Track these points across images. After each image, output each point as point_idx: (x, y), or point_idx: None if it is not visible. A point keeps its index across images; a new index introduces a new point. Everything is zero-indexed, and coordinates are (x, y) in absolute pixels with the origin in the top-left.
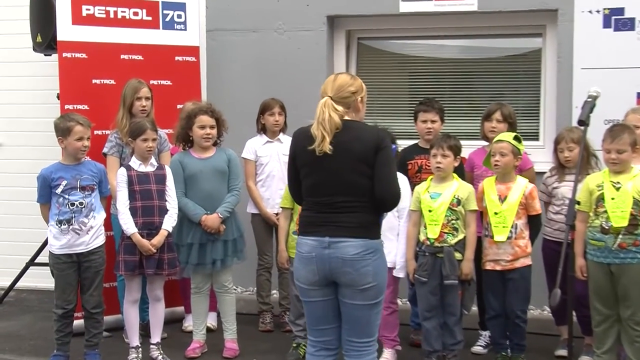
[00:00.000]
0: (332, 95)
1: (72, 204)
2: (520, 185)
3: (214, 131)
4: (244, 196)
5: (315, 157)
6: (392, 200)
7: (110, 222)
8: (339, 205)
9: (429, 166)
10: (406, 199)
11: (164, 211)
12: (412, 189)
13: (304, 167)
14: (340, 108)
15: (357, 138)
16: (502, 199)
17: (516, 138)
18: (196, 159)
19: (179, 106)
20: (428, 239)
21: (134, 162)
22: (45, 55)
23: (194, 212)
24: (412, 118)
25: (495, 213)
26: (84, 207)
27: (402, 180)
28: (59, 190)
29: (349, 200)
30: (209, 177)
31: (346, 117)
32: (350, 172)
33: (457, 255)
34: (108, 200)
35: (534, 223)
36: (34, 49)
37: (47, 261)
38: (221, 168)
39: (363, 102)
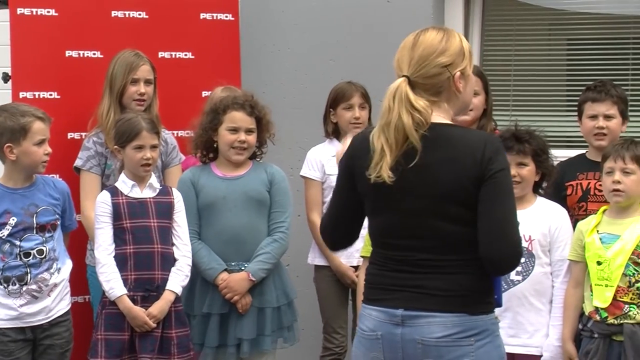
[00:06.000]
0: (409, 74)
1: (27, 254)
2: None
3: (253, 138)
4: (301, 238)
5: (378, 188)
6: (506, 261)
7: (86, 279)
8: (421, 264)
9: (601, 190)
10: (564, 244)
11: (169, 262)
12: (574, 227)
13: (366, 199)
14: (421, 102)
15: (449, 159)
16: None
17: None
18: (218, 177)
19: (204, 94)
20: (597, 310)
21: (124, 184)
22: None
23: (208, 266)
24: (575, 112)
25: None
26: (45, 257)
27: (559, 212)
28: (4, 234)
29: (436, 259)
30: (237, 207)
31: (436, 115)
32: (436, 216)
33: None
34: (71, 239)
35: None
36: None
37: None
38: (257, 194)
39: (467, 79)
